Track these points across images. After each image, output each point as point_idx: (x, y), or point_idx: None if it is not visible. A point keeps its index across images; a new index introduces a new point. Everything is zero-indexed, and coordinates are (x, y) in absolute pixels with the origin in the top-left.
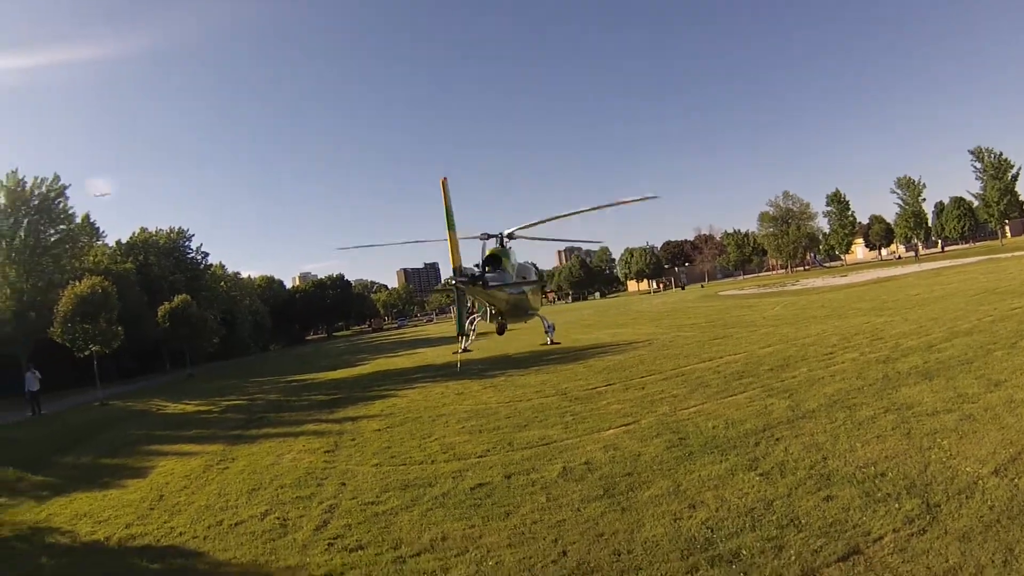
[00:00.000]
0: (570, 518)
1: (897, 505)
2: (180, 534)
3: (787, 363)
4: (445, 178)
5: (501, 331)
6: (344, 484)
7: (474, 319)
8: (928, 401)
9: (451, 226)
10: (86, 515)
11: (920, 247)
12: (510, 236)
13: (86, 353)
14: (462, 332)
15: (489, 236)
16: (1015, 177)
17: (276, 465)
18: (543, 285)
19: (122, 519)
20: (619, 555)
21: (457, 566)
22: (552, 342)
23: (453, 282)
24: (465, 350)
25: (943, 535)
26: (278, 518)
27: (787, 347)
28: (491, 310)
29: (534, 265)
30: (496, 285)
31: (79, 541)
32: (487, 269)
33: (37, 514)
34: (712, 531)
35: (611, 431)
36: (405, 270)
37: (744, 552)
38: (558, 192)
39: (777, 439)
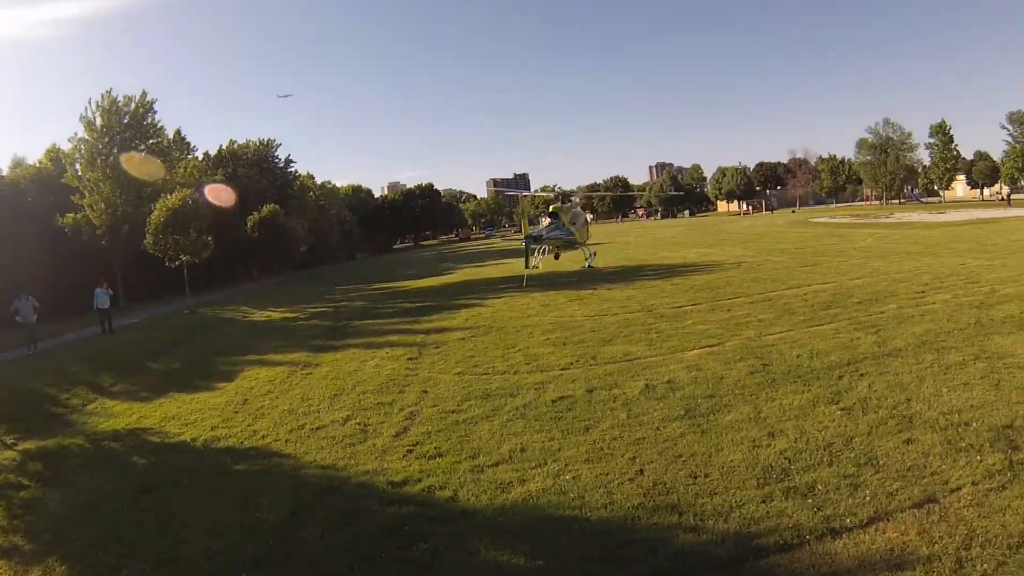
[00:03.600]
0: (649, 437)
1: (979, 457)
2: (263, 436)
3: (876, 297)
4: (523, 195)
5: (556, 257)
6: (426, 392)
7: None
8: (1022, 353)
9: (524, 217)
10: (174, 417)
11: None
12: (567, 197)
13: (177, 263)
14: (527, 265)
15: (558, 196)
16: None
17: (359, 372)
18: (587, 224)
19: (208, 421)
20: (695, 478)
21: (534, 478)
22: (590, 267)
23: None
24: (535, 267)
25: (1023, 495)
26: (359, 423)
27: (877, 281)
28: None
29: (584, 211)
30: (551, 236)
31: (167, 441)
32: (550, 221)
33: (129, 416)
34: (789, 462)
35: (695, 351)
36: (495, 180)
37: (820, 487)
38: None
39: (861, 375)
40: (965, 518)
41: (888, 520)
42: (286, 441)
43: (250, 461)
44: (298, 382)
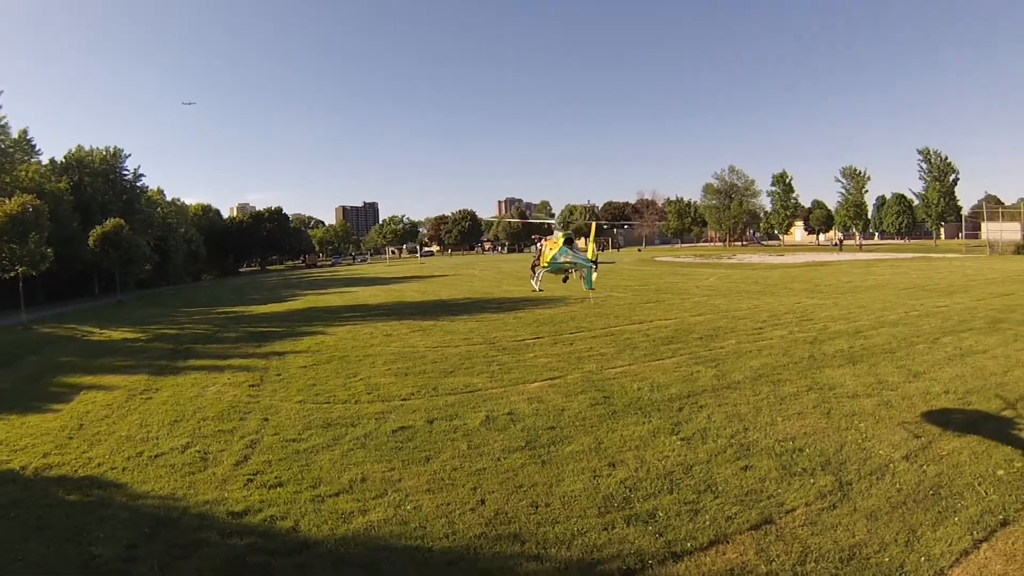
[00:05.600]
0: (490, 467)
1: (812, 480)
2: (98, 465)
3: (716, 333)
4: (594, 223)
5: (565, 279)
6: (267, 420)
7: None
8: (850, 384)
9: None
10: (3, 443)
11: (858, 238)
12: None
13: (11, 275)
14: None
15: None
16: (955, 181)
17: (200, 397)
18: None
19: (40, 448)
20: (537, 507)
21: (375, 508)
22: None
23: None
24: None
25: (852, 512)
26: (199, 451)
27: (718, 318)
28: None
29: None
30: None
31: None
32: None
33: None
34: (630, 491)
35: (536, 384)
36: (344, 207)
37: (660, 513)
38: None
39: (701, 406)
40: (800, 536)
41: (728, 542)
42: (123, 469)
43: (84, 491)
44: (137, 407)
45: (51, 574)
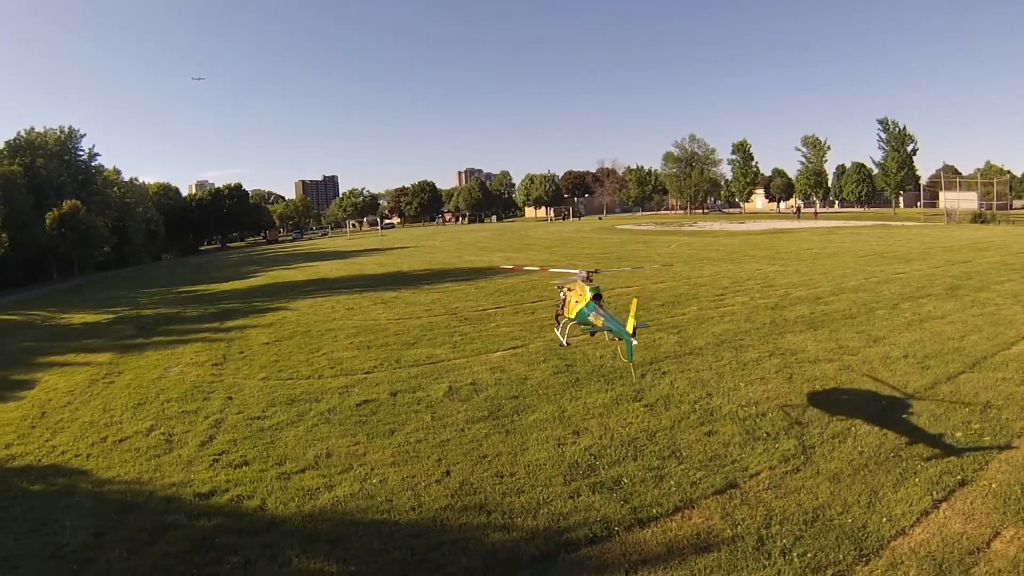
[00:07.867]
0: (454, 438)
1: (775, 444)
2: (62, 453)
3: (678, 300)
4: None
5: (593, 333)
6: (231, 398)
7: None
8: (811, 349)
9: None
10: None
11: (817, 205)
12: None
13: None
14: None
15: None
16: (914, 151)
17: (163, 379)
18: None
19: (1, 439)
20: (502, 477)
21: (341, 483)
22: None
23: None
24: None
25: (815, 475)
26: (163, 433)
27: (679, 285)
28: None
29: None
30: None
31: None
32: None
33: None
34: (595, 458)
35: (499, 353)
36: (304, 181)
37: (625, 480)
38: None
39: (664, 373)
40: (764, 500)
41: (693, 507)
42: (87, 456)
43: (48, 480)
44: (100, 391)
45: (18, 567)
